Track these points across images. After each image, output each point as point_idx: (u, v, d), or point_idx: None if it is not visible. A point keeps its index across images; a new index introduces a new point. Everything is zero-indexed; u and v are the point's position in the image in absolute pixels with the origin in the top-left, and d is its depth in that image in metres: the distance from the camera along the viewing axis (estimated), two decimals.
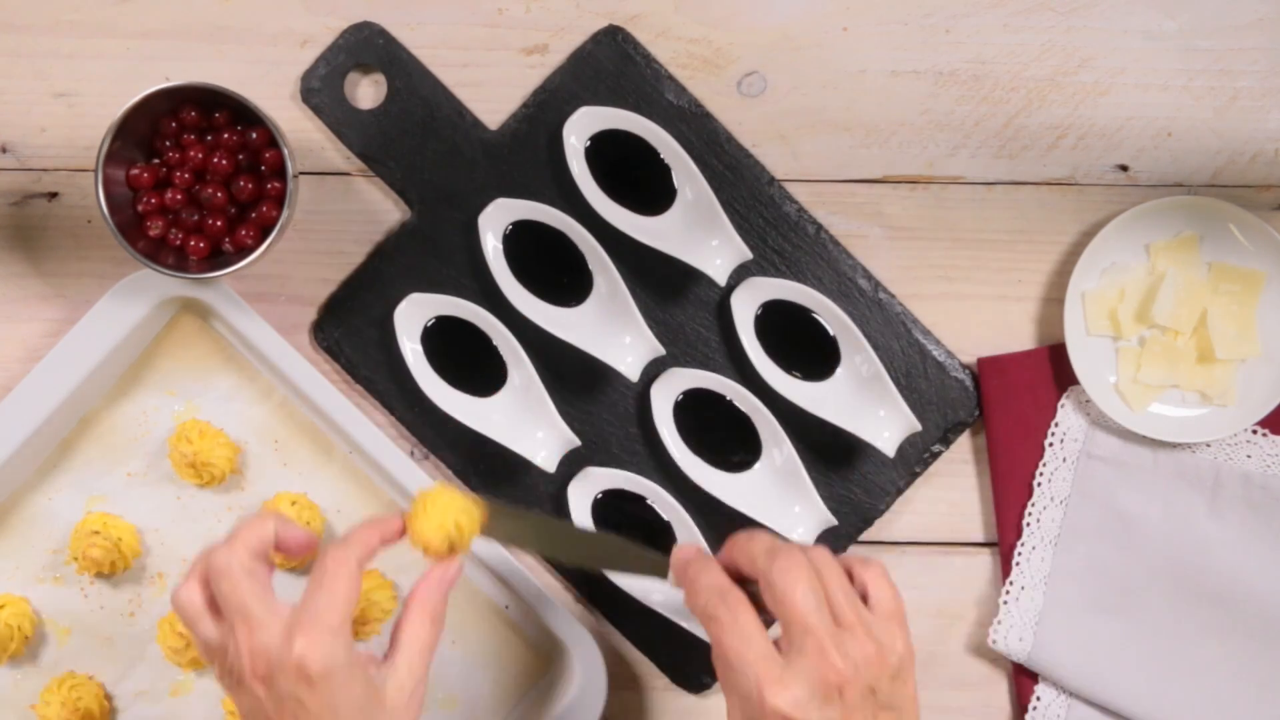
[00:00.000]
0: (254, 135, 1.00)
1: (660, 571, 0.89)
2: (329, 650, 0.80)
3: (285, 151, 0.98)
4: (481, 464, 1.05)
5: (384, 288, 1.04)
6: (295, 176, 0.98)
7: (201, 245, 1.00)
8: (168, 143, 1.01)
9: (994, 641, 1.04)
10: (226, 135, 1.00)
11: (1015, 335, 1.06)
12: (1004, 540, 1.05)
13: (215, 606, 0.83)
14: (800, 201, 1.05)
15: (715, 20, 1.05)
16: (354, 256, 1.06)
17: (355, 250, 1.06)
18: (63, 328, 1.03)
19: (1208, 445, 1.03)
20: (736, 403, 1.03)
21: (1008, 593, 1.04)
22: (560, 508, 1.04)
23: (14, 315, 1.06)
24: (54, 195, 1.06)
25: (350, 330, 1.05)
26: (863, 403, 1.02)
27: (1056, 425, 1.05)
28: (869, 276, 1.05)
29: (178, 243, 1.00)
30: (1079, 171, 1.06)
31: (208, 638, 0.83)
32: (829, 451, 1.04)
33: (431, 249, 1.05)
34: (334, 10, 1.05)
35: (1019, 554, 1.04)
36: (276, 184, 1.00)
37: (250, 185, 1.00)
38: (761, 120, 1.06)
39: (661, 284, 1.05)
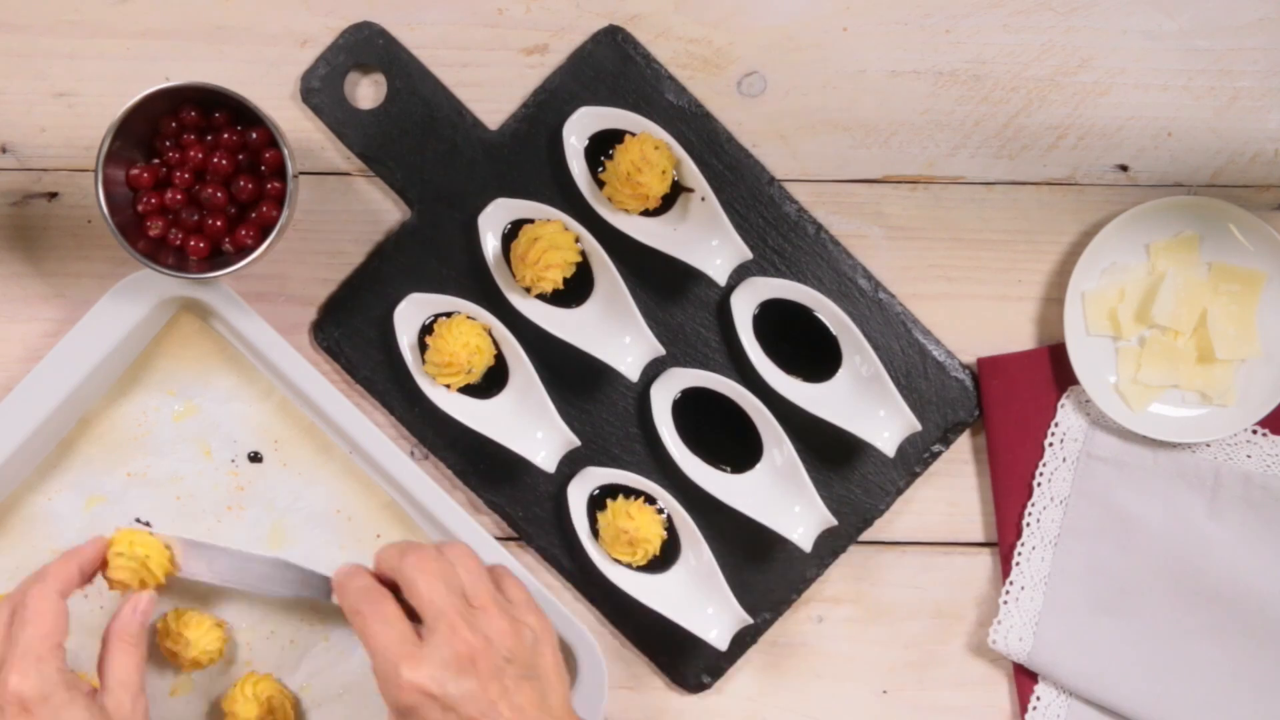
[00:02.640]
0: (254, 135, 1.00)
1: (324, 591, 0.96)
2: (40, 677, 0.86)
3: (285, 151, 0.98)
4: (481, 464, 1.05)
5: (384, 288, 1.04)
6: (295, 176, 0.98)
7: (201, 245, 1.00)
8: (168, 143, 1.01)
9: (994, 641, 1.04)
10: (226, 135, 1.00)
11: (1015, 335, 1.06)
12: (1004, 540, 1.05)
13: None
14: (800, 201, 1.05)
15: (715, 20, 1.05)
16: (354, 256, 1.06)
17: (355, 250, 1.06)
18: (63, 328, 1.03)
19: (1208, 445, 1.03)
20: (737, 402, 1.03)
21: (1007, 593, 1.04)
22: (560, 508, 1.04)
23: (14, 315, 1.06)
24: (54, 195, 1.06)
25: (350, 330, 1.05)
26: (863, 403, 1.02)
27: (1056, 425, 1.05)
28: (869, 276, 1.05)
29: (178, 243, 1.00)
30: (1079, 171, 1.06)
31: None
32: (829, 451, 1.04)
33: (431, 249, 1.05)
34: (334, 10, 1.05)
35: (1019, 554, 1.04)
36: (276, 184, 1.00)
37: (250, 185, 1.00)
38: (761, 120, 1.06)
39: (661, 284, 1.05)
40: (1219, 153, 1.05)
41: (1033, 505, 1.04)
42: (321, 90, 1.04)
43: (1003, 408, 1.04)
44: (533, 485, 1.05)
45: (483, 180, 1.05)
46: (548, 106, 1.04)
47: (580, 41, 1.05)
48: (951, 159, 1.06)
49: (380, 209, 1.06)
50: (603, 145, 1.02)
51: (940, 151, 1.06)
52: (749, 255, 1.01)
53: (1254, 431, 1.03)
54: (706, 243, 1.02)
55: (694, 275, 1.02)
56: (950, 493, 1.07)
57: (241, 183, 1.00)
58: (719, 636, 1.02)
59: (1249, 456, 1.03)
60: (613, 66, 1.04)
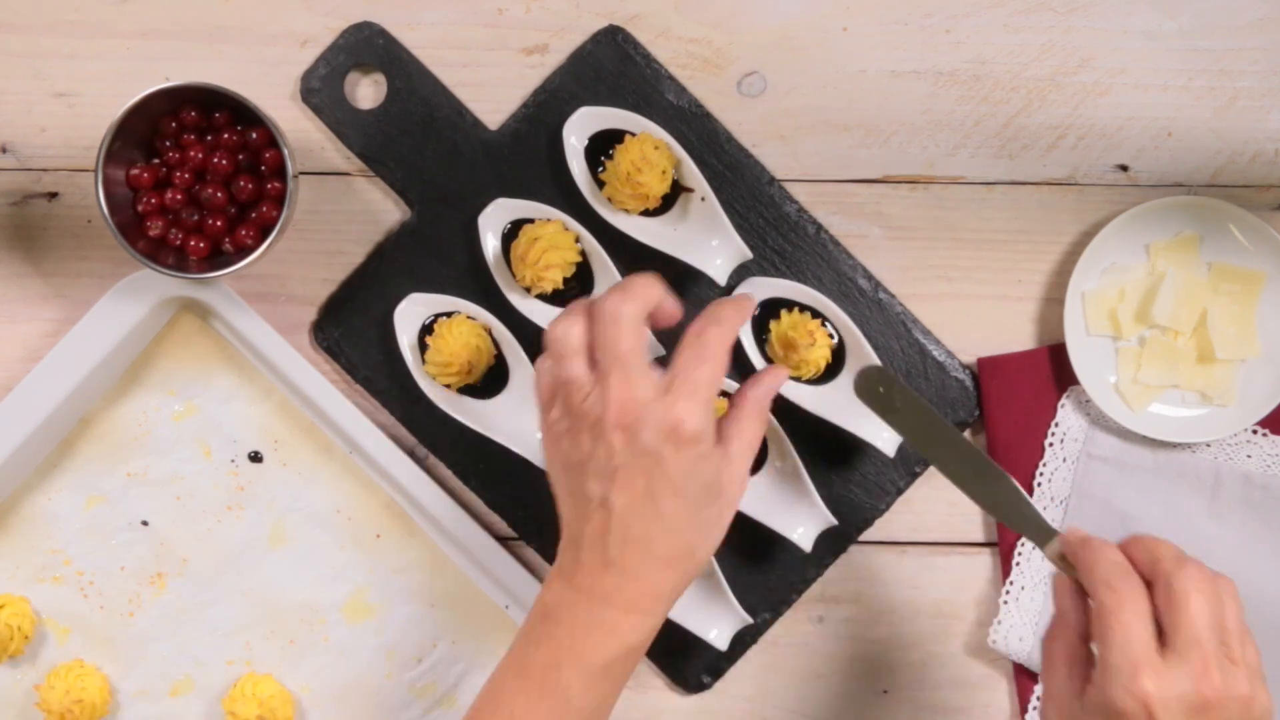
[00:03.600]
0: (254, 135, 1.00)
1: (1041, 539, 0.86)
2: (706, 419, 0.82)
3: (285, 151, 0.98)
4: (481, 464, 1.05)
5: (384, 288, 1.05)
6: (295, 176, 0.98)
7: (201, 245, 1.00)
8: (168, 143, 1.01)
9: (994, 641, 1.04)
10: (226, 135, 1.00)
11: (1015, 335, 1.06)
12: (1004, 540, 1.05)
13: (588, 348, 0.84)
14: (800, 201, 1.05)
15: (715, 20, 1.05)
16: (354, 256, 1.06)
17: (355, 250, 1.06)
18: (63, 328, 1.04)
19: (1208, 445, 1.03)
20: None
21: (1008, 593, 1.04)
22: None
23: (14, 315, 1.06)
24: (54, 195, 1.06)
25: (350, 330, 1.05)
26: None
27: (1056, 425, 1.05)
28: (869, 276, 1.05)
29: (178, 243, 1.00)
30: (1079, 171, 1.06)
31: (572, 376, 0.83)
32: (829, 451, 1.04)
33: (431, 249, 1.05)
34: (334, 10, 1.05)
35: (1019, 554, 1.04)
36: (276, 184, 1.00)
37: (250, 185, 1.00)
38: (761, 120, 1.06)
39: None
40: (1219, 153, 1.05)
41: None
42: (321, 90, 1.04)
43: (1003, 408, 1.04)
44: (533, 485, 1.05)
45: (483, 180, 1.05)
46: (548, 106, 1.04)
47: (580, 41, 1.05)
48: (951, 159, 1.06)
49: (380, 209, 1.06)
50: (603, 145, 1.02)
51: (940, 151, 1.06)
52: (749, 255, 1.01)
53: (1254, 431, 1.03)
54: (706, 243, 1.02)
55: (694, 275, 1.02)
56: (950, 493, 1.06)
57: (241, 183, 1.00)
58: (719, 636, 1.02)
59: (1249, 456, 1.03)
60: (613, 66, 1.04)
